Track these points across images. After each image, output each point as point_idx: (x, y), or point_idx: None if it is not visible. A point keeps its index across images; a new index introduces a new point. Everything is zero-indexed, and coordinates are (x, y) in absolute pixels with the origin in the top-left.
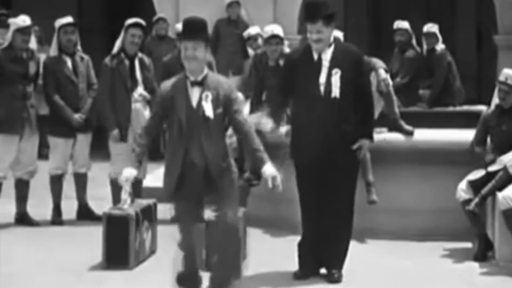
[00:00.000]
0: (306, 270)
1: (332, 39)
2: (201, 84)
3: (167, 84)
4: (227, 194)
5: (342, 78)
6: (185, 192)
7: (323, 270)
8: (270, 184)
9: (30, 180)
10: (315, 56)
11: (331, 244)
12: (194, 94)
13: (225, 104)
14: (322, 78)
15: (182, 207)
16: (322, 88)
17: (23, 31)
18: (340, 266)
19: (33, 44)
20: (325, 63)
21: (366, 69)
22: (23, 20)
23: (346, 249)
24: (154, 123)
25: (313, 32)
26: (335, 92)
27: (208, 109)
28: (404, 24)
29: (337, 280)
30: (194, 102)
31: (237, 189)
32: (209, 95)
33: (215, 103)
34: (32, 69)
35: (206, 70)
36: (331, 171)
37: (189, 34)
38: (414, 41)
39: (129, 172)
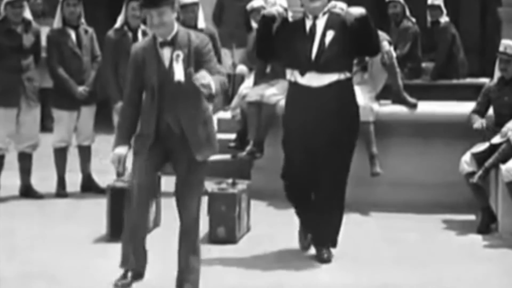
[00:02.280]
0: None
1: (326, 8)
2: (172, 43)
3: (137, 47)
4: (192, 181)
5: (335, 39)
6: (152, 151)
7: (312, 250)
8: (197, 82)
9: (32, 153)
10: (309, 24)
11: (321, 222)
12: (165, 54)
13: (196, 59)
14: (315, 46)
15: (144, 156)
16: (314, 54)
17: (13, 4)
18: (329, 245)
19: (28, 15)
20: (319, 28)
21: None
22: None
23: (337, 227)
24: (133, 90)
25: None
26: (327, 52)
27: (179, 72)
28: None
29: (327, 260)
30: (167, 63)
31: (205, 172)
32: (180, 54)
33: (187, 61)
34: (27, 41)
35: (176, 28)
36: (325, 143)
37: (151, 1)
38: (408, 12)
39: (119, 152)
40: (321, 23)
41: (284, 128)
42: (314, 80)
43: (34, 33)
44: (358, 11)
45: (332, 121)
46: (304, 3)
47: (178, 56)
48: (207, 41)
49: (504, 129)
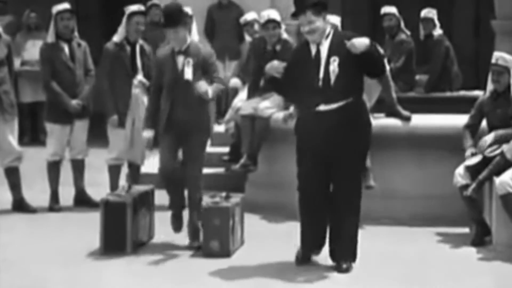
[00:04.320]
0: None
1: (329, 29)
2: (184, 52)
3: (160, 54)
4: (196, 154)
5: (340, 66)
6: (169, 135)
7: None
8: (199, 89)
9: (19, 166)
10: (313, 50)
11: (338, 234)
12: (179, 61)
13: (203, 67)
14: (321, 72)
15: (166, 141)
16: (320, 82)
17: None
18: (348, 256)
19: None
20: (323, 54)
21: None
22: None
23: (354, 238)
24: (156, 86)
25: (304, 24)
26: (333, 80)
27: (188, 73)
28: (391, 9)
29: (346, 271)
30: (180, 67)
31: (205, 151)
32: (190, 60)
33: (195, 67)
34: None
35: (189, 40)
36: (339, 154)
37: (167, 23)
38: (402, 25)
39: (148, 133)
40: (324, 49)
41: (298, 143)
42: (323, 107)
43: (6, 44)
44: (362, 44)
45: (345, 133)
46: (304, 34)
47: (188, 62)
48: (212, 53)
49: (481, 142)
